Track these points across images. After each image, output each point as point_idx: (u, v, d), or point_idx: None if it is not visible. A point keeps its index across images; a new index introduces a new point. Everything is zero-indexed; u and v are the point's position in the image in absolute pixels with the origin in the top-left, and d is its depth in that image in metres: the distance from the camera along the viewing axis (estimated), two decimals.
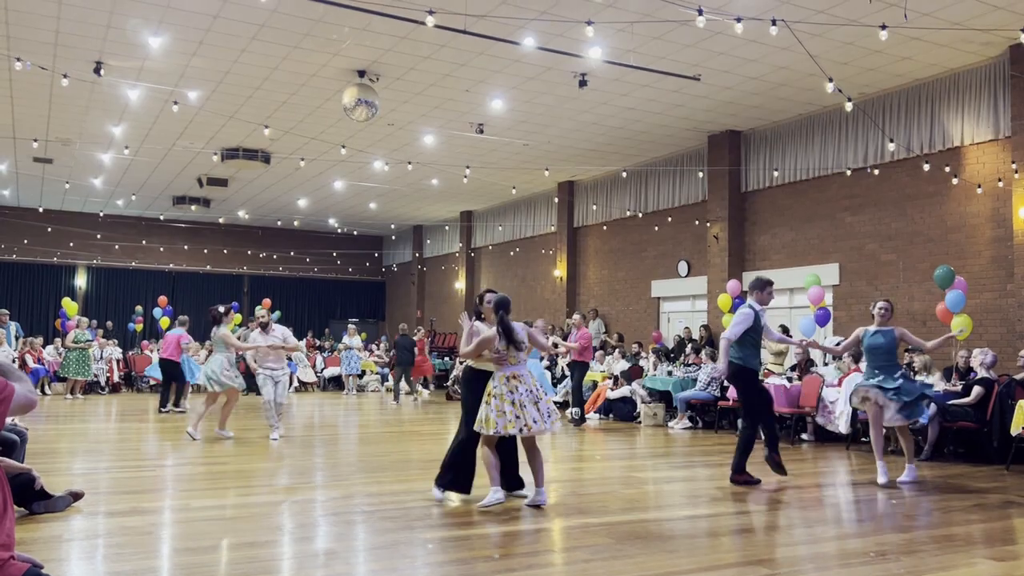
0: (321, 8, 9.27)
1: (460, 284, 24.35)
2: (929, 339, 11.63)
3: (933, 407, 8.42)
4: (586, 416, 13.33)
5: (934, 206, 12.06)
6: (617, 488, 7.43)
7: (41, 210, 22.77)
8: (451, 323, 23.40)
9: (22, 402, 3.26)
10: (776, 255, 14.56)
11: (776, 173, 14.31)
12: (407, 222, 26.30)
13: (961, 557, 5.00)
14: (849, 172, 13.04)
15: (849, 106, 10.45)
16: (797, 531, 5.80)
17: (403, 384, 17.59)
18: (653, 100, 13.09)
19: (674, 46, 10.73)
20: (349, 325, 21.07)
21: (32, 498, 5.74)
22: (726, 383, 11.18)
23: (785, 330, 13.19)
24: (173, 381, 14.56)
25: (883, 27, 8.75)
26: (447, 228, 25.48)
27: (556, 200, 20.01)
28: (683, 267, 16.60)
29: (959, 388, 9.65)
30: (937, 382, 10.20)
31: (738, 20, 8.32)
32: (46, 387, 17.99)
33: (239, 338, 12.79)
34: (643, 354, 15.55)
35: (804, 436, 11.21)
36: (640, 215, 17.56)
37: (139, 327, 22.70)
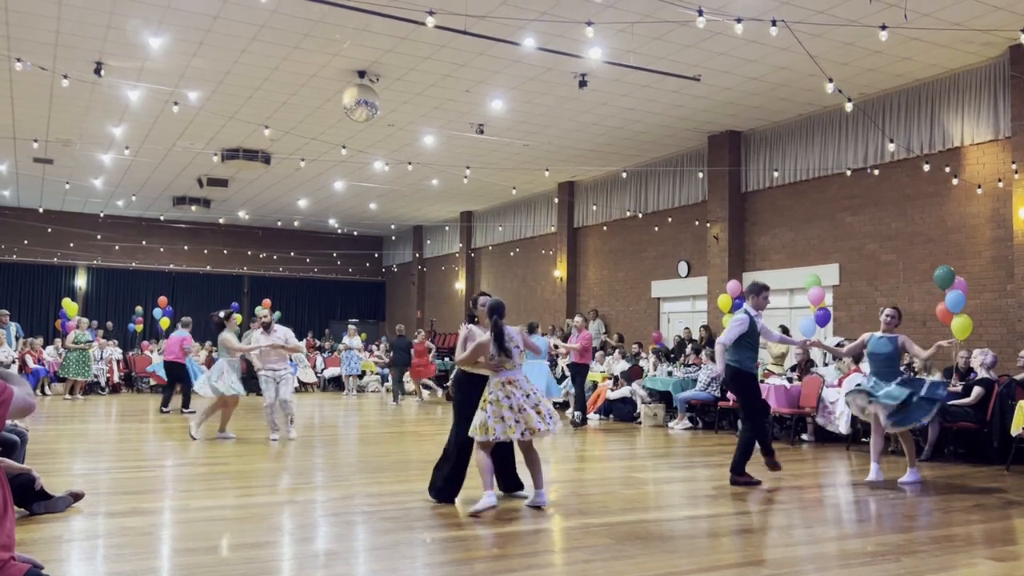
0: (321, 8, 9.27)
1: (460, 284, 24.35)
2: (929, 340, 11.68)
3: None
4: (587, 417, 13.33)
5: (934, 206, 12.06)
6: (617, 488, 7.43)
7: (41, 210, 22.77)
8: (451, 323, 23.42)
9: (21, 405, 3.26)
10: (776, 255, 14.56)
11: (776, 173, 14.31)
12: (407, 222, 26.30)
13: (961, 557, 5.00)
14: (849, 172, 13.04)
15: (849, 106, 10.45)
16: (797, 531, 5.80)
17: (402, 385, 17.59)
18: (653, 100, 13.09)
19: (674, 46, 10.73)
20: (349, 325, 21.07)
21: (32, 499, 5.74)
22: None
23: (785, 330, 13.18)
24: (178, 383, 14.58)
25: (883, 27, 8.75)
26: (447, 228, 25.48)
27: (556, 200, 20.02)
28: (683, 267, 16.61)
29: (959, 388, 9.65)
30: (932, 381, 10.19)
31: (738, 21, 8.32)
32: (46, 388, 17.99)
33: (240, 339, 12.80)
34: (643, 354, 15.54)
35: (804, 436, 11.21)
36: (640, 215, 17.56)
37: (139, 328, 22.71)
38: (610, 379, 14.54)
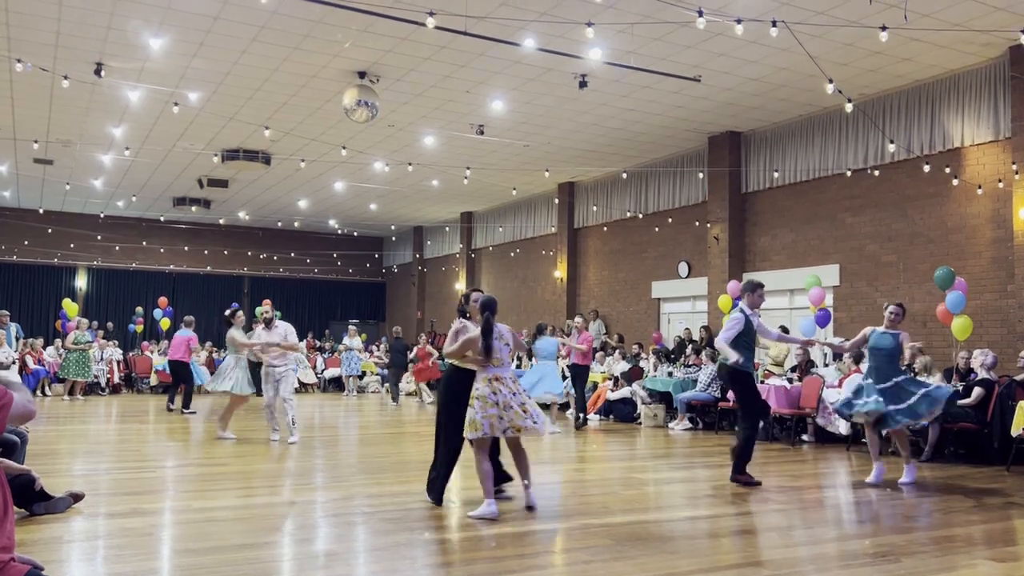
0: (321, 9, 9.27)
1: (460, 285, 24.35)
2: (930, 340, 11.69)
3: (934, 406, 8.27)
4: (586, 417, 13.32)
5: (934, 207, 12.06)
6: (617, 489, 7.43)
7: (41, 211, 22.78)
8: (451, 324, 23.37)
9: (21, 411, 3.25)
10: (776, 256, 14.56)
11: (776, 174, 14.31)
12: (407, 223, 26.30)
13: (962, 558, 5.00)
14: (849, 173, 13.04)
15: (849, 107, 10.45)
16: (797, 532, 5.80)
17: (401, 385, 17.59)
18: (653, 101, 13.10)
19: (674, 47, 10.73)
20: (349, 326, 21.07)
21: (32, 499, 5.74)
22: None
23: (785, 330, 13.18)
24: (181, 383, 14.61)
25: (883, 28, 8.75)
26: (447, 229, 25.48)
27: (556, 201, 20.02)
28: (683, 268, 16.61)
29: (960, 389, 9.65)
30: (938, 383, 10.19)
31: (738, 21, 8.32)
32: (46, 388, 17.99)
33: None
34: (643, 355, 15.54)
35: (804, 437, 11.20)
36: (640, 216, 17.56)
37: (139, 328, 22.71)
38: (610, 380, 14.54)
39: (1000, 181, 11.13)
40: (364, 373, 20.90)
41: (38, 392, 17.58)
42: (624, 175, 17.29)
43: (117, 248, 25.27)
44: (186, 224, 25.41)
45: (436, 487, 6.36)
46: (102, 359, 18.66)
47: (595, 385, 14.64)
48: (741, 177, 15.12)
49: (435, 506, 6.27)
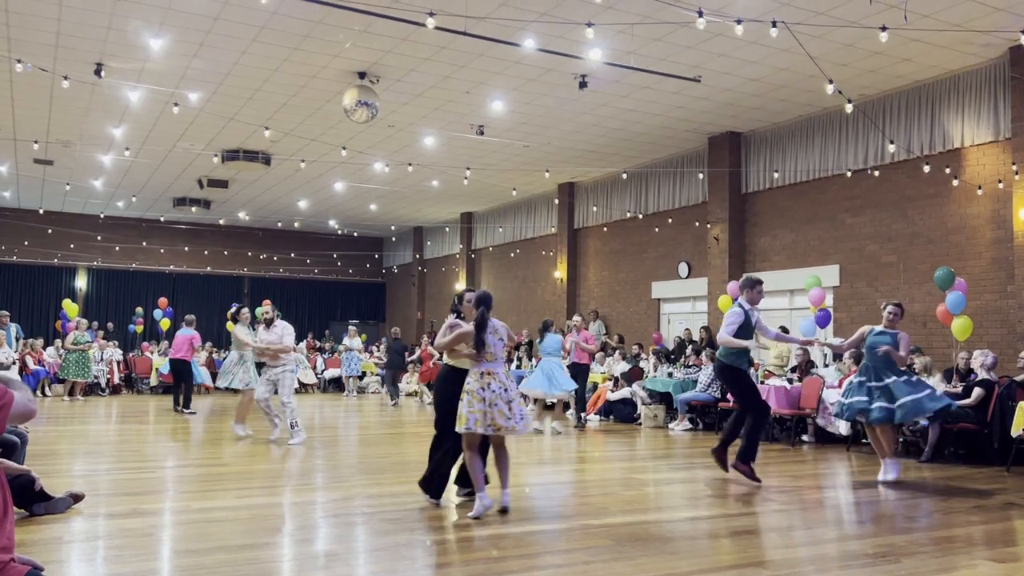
0: (321, 10, 9.27)
1: (460, 286, 24.34)
2: (930, 341, 11.70)
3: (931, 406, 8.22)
4: (587, 418, 13.33)
5: (934, 207, 12.06)
6: (617, 490, 7.43)
7: (42, 212, 22.78)
8: None
9: (21, 410, 3.25)
10: (776, 256, 14.56)
11: (776, 174, 14.31)
12: (407, 223, 26.31)
13: (962, 559, 5.00)
14: (849, 173, 13.05)
15: (849, 107, 10.46)
16: (797, 533, 5.80)
17: (401, 385, 17.60)
18: (653, 102, 13.10)
19: (674, 48, 10.73)
20: (349, 327, 21.07)
21: (32, 500, 5.74)
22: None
23: (785, 331, 13.17)
24: (182, 382, 14.65)
25: (883, 29, 8.75)
26: (447, 229, 25.49)
27: (556, 201, 20.02)
28: (683, 268, 16.61)
29: (959, 390, 9.65)
30: (938, 383, 10.19)
31: (738, 22, 8.32)
32: (46, 389, 17.99)
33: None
34: (643, 355, 15.54)
35: (804, 437, 11.20)
36: (640, 216, 17.56)
37: (139, 329, 22.71)
38: (610, 380, 14.53)
39: (1000, 182, 11.13)
40: (364, 374, 20.90)
41: (38, 393, 17.58)
42: (624, 175, 17.29)
43: (117, 248, 25.28)
44: (186, 224, 25.41)
45: (435, 485, 6.36)
46: (102, 359, 18.66)
47: (595, 385, 14.64)
48: (741, 177, 15.12)
49: (434, 505, 6.27)
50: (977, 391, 9.18)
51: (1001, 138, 11.17)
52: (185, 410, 14.29)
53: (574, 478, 8.31)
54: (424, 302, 27.07)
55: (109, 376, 18.96)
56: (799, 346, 12.05)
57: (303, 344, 23.62)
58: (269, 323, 10.41)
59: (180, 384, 14.70)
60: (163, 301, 21.93)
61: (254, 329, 11.31)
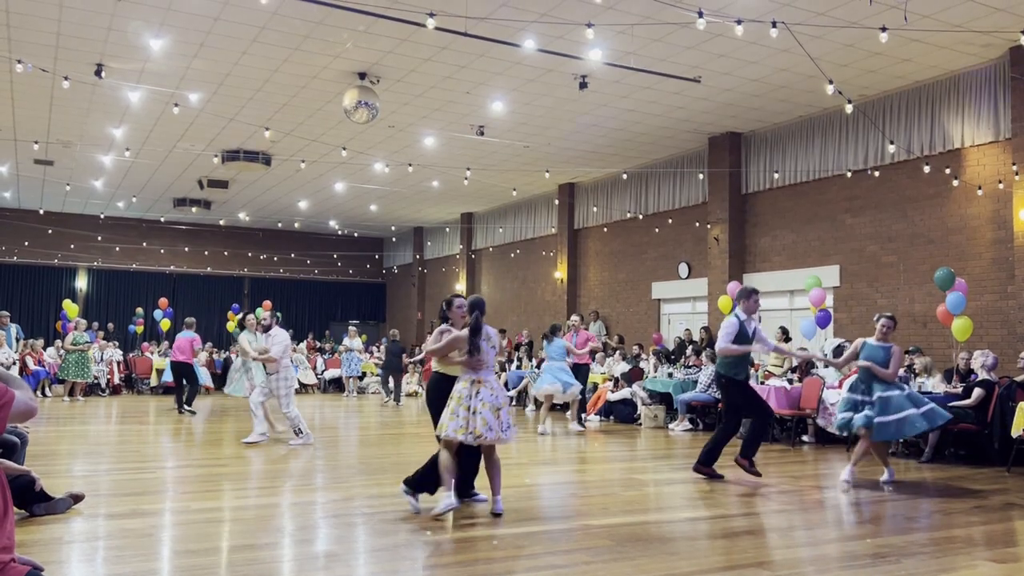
0: (322, 10, 9.27)
1: (461, 286, 24.35)
2: (930, 342, 11.69)
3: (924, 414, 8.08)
4: (587, 419, 13.33)
5: (934, 208, 12.06)
6: (618, 490, 7.43)
7: (42, 212, 22.79)
8: None
9: (22, 408, 3.25)
10: (777, 257, 14.56)
11: (776, 175, 14.31)
12: (407, 224, 26.31)
13: (962, 559, 5.00)
14: (849, 174, 13.04)
15: (849, 108, 10.46)
16: (798, 533, 5.80)
17: (398, 385, 17.58)
18: (653, 102, 13.10)
19: (674, 48, 10.73)
20: (349, 327, 21.07)
21: (32, 500, 5.74)
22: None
23: (785, 332, 13.19)
24: (186, 383, 14.72)
25: (883, 29, 8.75)
26: (448, 230, 25.49)
27: (556, 202, 20.02)
28: (683, 269, 16.60)
29: (960, 390, 9.65)
30: (938, 384, 10.20)
31: (738, 22, 8.32)
32: (46, 389, 18.00)
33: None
34: (643, 356, 15.54)
35: (804, 438, 11.21)
36: (640, 217, 17.56)
37: (139, 329, 22.72)
38: (610, 380, 14.53)
39: (1000, 182, 11.13)
40: (364, 374, 20.89)
41: (38, 393, 17.58)
42: (624, 176, 17.29)
43: (117, 249, 25.28)
44: (186, 225, 25.41)
45: (458, 484, 6.28)
46: (102, 360, 18.67)
47: (595, 386, 14.64)
48: (741, 178, 15.12)
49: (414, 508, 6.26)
50: (977, 391, 9.18)
51: (1001, 138, 11.17)
52: (187, 407, 14.38)
53: (574, 478, 8.31)
54: (424, 302, 27.07)
55: (109, 376, 18.97)
56: (799, 350, 12.08)
57: (303, 344, 23.64)
58: (266, 329, 10.44)
59: (182, 385, 14.76)
60: (163, 301, 21.93)
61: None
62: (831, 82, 9.88)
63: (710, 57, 11.03)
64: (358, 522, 5.84)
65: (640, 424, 13.26)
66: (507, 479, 7.54)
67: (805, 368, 11.77)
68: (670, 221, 16.90)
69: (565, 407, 14.25)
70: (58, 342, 18.65)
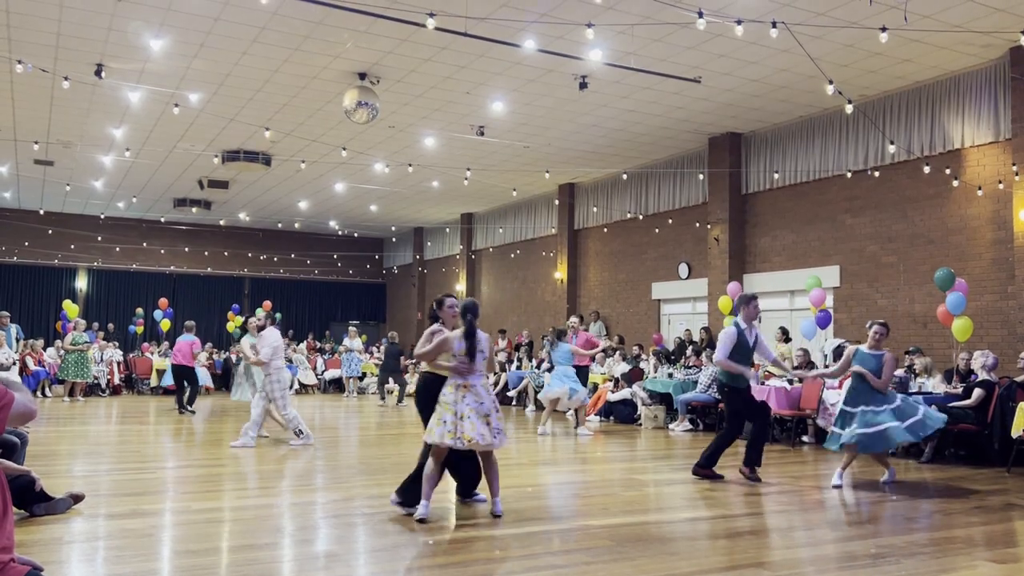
0: (322, 10, 9.27)
1: (461, 286, 24.36)
2: (930, 342, 11.69)
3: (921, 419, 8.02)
4: (588, 419, 13.32)
5: (935, 208, 12.06)
6: (618, 490, 7.43)
7: (42, 212, 22.78)
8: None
9: (21, 410, 3.24)
10: (777, 257, 14.56)
11: (777, 175, 14.31)
12: (408, 224, 26.31)
13: (962, 559, 5.00)
14: (850, 174, 13.04)
15: (849, 108, 10.46)
16: (798, 533, 5.80)
17: (395, 385, 17.56)
18: (653, 102, 13.10)
19: (674, 48, 10.73)
20: (350, 327, 21.07)
21: (32, 500, 5.74)
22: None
23: (785, 332, 13.19)
24: (187, 384, 14.76)
25: (883, 29, 8.75)
26: (448, 230, 25.49)
27: (556, 202, 20.02)
28: (683, 269, 16.60)
29: (960, 390, 9.65)
30: (938, 384, 10.20)
31: (738, 23, 8.32)
32: (47, 389, 18.00)
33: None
34: (643, 356, 15.54)
35: (804, 438, 11.21)
36: (641, 217, 17.56)
37: (140, 329, 22.73)
38: (611, 381, 14.53)
39: (1000, 182, 11.13)
40: (364, 374, 20.89)
41: (38, 393, 17.59)
42: (624, 176, 17.29)
43: (117, 249, 25.27)
44: (186, 225, 25.41)
45: (461, 488, 6.33)
46: (102, 360, 18.67)
47: (595, 386, 14.64)
48: (741, 178, 15.12)
49: (436, 507, 6.25)
50: (977, 392, 9.18)
51: (1001, 139, 11.16)
52: (188, 407, 14.44)
53: (575, 479, 8.31)
54: (424, 303, 27.04)
55: (109, 377, 18.97)
56: (799, 350, 12.09)
57: (303, 345, 23.65)
58: (260, 329, 10.47)
59: (182, 387, 14.80)
60: (163, 302, 21.94)
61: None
62: (831, 82, 9.88)
63: (710, 57, 11.04)
64: (358, 522, 5.84)
65: (640, 424, 13.26)
66: (508, 479, 7.54)
67: (805, 368, 11.74)
68: (670, 221, 16.90)
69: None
70: (58, 342, 18.65)
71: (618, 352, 15.59)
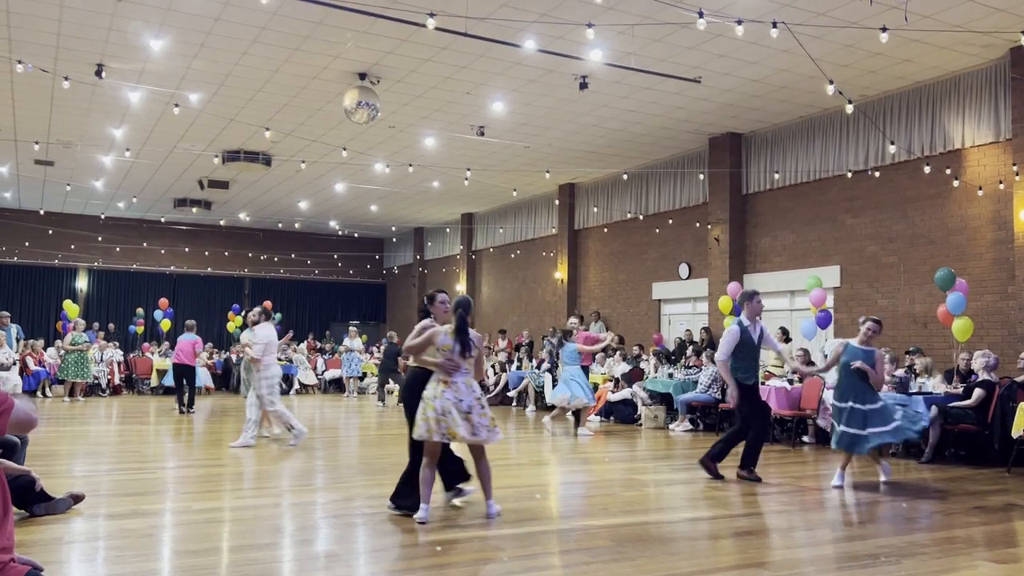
0: (322, 11, 9.27)
1: (461, 287, 24.36)
2: (930, 342, 11.69)
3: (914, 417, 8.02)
4: (588, 419, 13.31)
5: (935, 208, 12.05)
6: (618, 490, 7.42)
7: (42, 212, 22.78)
8: None
9: (21, 417, 3.22)
10: (777, 257, 14.56)
11: (777, 175, 14.31)
12: (408, 224, 26.30)
13: (962, 560, 5.00)
14: (850, 174, 13.04)
15: (850, 108, 10.45)
16: (798, 533, 5.80)
17: (394, 385, 17.56)
18: (654, 102, 13.10)
19: (675, 48, 10.73)
20: (350, 327, 21.07)
21: (32, 500, 5.75)
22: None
23: (785, 332, 13.19)
24: (187, 384, 14.77)
25: (884, 29, 8.75)
26: (448, 230, 25.49)
27: (557, 202, 20.02)
28: (684, 269, 16.60)
29: (960, 391, 9.65)
30: (938, 384, 10.20)
31: (739, 23, 8.32)
32: (47, 390, 18.00)
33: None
34: (644, 356, 15.54)
35: (805, 439, 11.20)
36: (641, 217, 17.56)
37: (140, 329, 22.74)
38: (611, 381, 14.53)
39: (1001, 182, 11.13)
40: (365, 374, 20.89)
41: (39, 393, 17.60)
42: (624, 176, 17.29)
43: (118, 249, 25.27)
44: (187, 225, 25.41)
45: (447, 481, 6.27)
46: (102, 360, 18.67)
47: (595, 386, 14.62)
48: (742, 178, 15.12)
49: (436, 507, 6.26)
50: (978, 392, 9.18)
51: (1002, 139, 11.16)
52: (189, 409, 14.45)
53: (575, 479, 8.31)
54: None
55: (109, 377, 18.97)
56: (799, 351, 12.09)
57: (303, 345, 23.64)
58: (254, 324, 10.50)
59: (182, 386, 14.81)
60: (164, 302, 21.94)
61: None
62: (831, 82, 9.88)
63: (710, 57, 11.03)
64: (358, 522, 5.84)
65: (640, 425, 13.26)
66: (508, 479, 7.56)
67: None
68: (670, 221, 16.90)
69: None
70: (58, 342, 18.66)
71: (618, 352, 15.59)
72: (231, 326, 22.01)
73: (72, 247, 24.30)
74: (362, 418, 14.58)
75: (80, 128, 14.92)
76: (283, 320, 23.87)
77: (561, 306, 19.83)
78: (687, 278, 16.54)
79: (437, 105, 13.30)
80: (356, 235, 28.52)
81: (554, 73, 11.73)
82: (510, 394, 17.10)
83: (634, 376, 14.17)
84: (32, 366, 17.20)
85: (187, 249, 26.36)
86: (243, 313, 11.97)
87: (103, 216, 23.78)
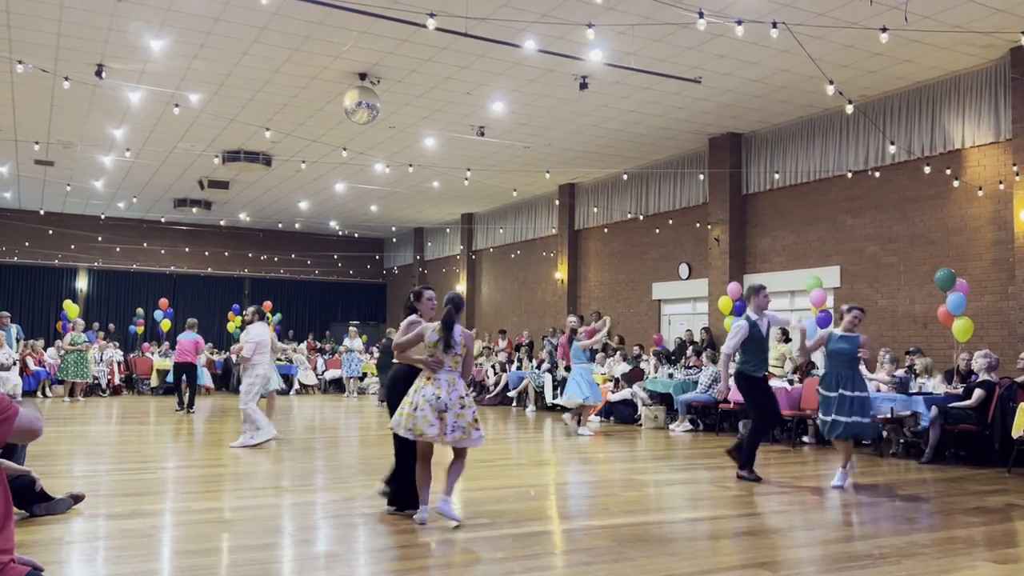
0: (322, 11, 9.27)
1: (461, 287, 24.36)
2: (930, 343, 11.68)
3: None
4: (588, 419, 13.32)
5: (935, 208, 12.05)
6: (618, 491, 7.42)
7: (42, 212, 22.79)
8: None
9: (25, 426, 3.19)
10: (777, 257, 14.56)
11: (777, 175, 14.31)
12: (408, 224, 26.31)
13: (962, 560, 5.00)
14: (850, 174, 13.04)
15: (850, 108, 10.46)
16: (798, 534, 5.80)
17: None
18: (654, 102, 13.10)
19: (675, 49, 10.73)
20: (350, 327, 21.07)
21: (32, 500, 5.74)
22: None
23: (785, 332, 13.18)
24: (188, 383, 14.78)
25: (884, 30, 8.75)
26: (448, 230, 25.49)
27: (557, 202, 20.02)
28: (684, 269, 16.60)
29: (960, 391, 9.64)
30: (938, 385, 10.19)
31: (739, 23, 8.32)
32: (47, 390, 18.00)
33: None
34: (644, 356, 15.54)
35: (805, 439, 11.20)
36: (641, 217, 17.56)
37: (140, 329, 22.73)
38: (611, 381, 14.53)
39: (1001, 183, 11.13)
40: (365, 375, 20.89)
41: (39, 393, 17.59)
42: (625, 176, 17.29)
43: (118, 249, 25.28)
44: (187, 225, 25.41)
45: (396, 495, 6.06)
46: (102, 360, 18.67)
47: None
48: (742, 178, 15.12)
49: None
50: (978, 392, 9.17)
51: (1002, 139, 11.16)
52: (189, 410, 14.46)
53: (575, 479, 8.31)
54: None
55: (109, 377, 18.97)
56: (798, 349, 12.07)
57: (303, 345, 23.64)
58: (248, 323, 10.54)
59: (181, 385, 14.81)
60: (164, 302, 21.94)
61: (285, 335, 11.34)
62: (831, 83, 9.88)
63: (710, 58, 11.03)
64: (358, 522, 5.84)
65: (640, 425, 13.26)
66: (508, 479, 7.56)
67: (806, 368, 11.76)
68: (670, 222, 16.90)
69: (564, 409, 14.26)
70: (58, 342, 18.66)
71: (618, 352, 15.59)
72: (231, 326, 22.00)
73: (72, 247, 24.30)
74: (362, 418, 14.58)
75: (80, 128, 14.92)
76: (283, 320, 23.88)
77: (561, 306, 19.83)
78: (687, 278, 16.54)
79: (437, 105, 13.30)
80: (356, 235, 28.52)
81: (554, 73, 11.73)
82: (510, 394, 17.09)
83: (634, 376, 14.17)
84: (32, 366, 17.19)
85: (187, 249, 26.36)
86: (243, 313, 11.96)
87: (103, 216, 23.78)
